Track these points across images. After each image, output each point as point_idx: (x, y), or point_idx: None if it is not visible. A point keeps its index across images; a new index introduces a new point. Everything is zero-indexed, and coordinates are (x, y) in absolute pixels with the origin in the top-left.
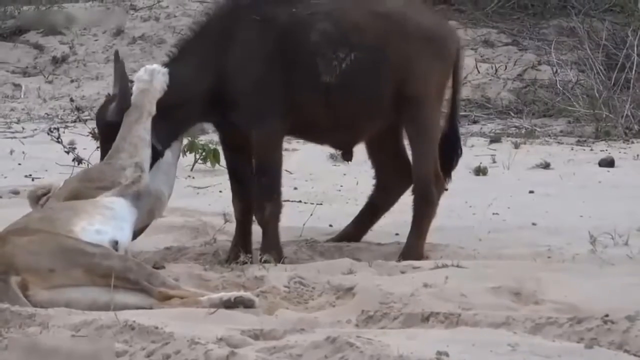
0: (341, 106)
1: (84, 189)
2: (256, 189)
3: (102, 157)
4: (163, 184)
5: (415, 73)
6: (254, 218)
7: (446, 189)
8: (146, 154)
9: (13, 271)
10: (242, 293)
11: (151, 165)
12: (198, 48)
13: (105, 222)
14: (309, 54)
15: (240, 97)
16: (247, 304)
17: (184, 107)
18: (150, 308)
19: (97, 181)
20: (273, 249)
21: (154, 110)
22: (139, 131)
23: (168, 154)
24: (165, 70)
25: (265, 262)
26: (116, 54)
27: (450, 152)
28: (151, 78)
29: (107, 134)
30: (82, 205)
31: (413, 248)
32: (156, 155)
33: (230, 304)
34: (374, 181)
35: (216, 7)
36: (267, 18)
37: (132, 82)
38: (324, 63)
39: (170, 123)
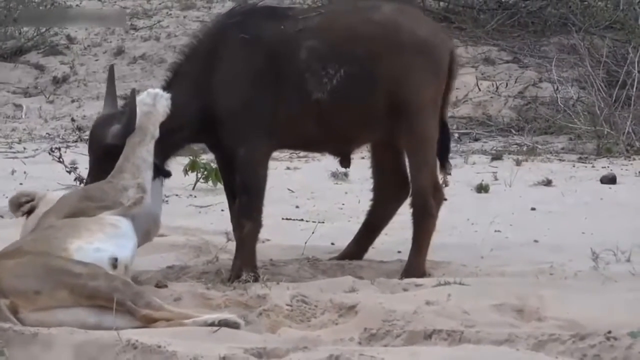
0: (333, 121)
1: (85, 208)
2: (236, 207)
3: (91, 176)
4: (156, 205)
5: (409, 83)
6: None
7: (445, 199)
8: (148, 176)
9: (0, 294)
10: (226, 315)
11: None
12: (189, 70)
13: (106, 240)
14: (298, 71)
15: (227, 115)
16: (231, 327)
17: (180, 130)
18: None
19: (99, 200)
20: (248, 267)
21: (157, 134)
22: (142, 153)
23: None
24: (168, 95)
25: (242, 281)
26: (111, 68)
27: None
28: (154, 102)
29: (104, 155)
30: (85, 224)
31: (415, 265)
32: (161, 174)
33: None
34: (371, 195)
35: (204, 27)
36: (255, 36)
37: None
38: (314, 80)
39: (164, 145)
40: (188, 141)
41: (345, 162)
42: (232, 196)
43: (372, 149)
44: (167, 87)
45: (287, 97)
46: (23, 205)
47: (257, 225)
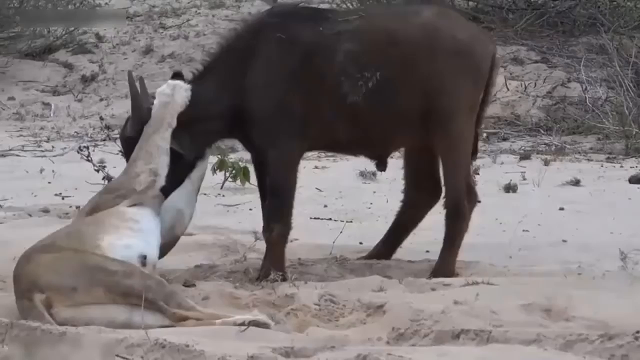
0: (368, 124)
1: (105, 201)
2: (266, 209)
3: None
4: (182, 201)
5: (446, 87)
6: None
7: (479, 201)
8: (163, 161)
9: (37, 289)
10: (256, 316)
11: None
12: (223, 64)
13: (133, 236)
14: (334, 74)
15: (259, 115)
16: (261, 327)
17: (207, 123)
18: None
19: (116, 191)
20: (277, 270)
21: (174, 123)
22: (156, 140)
23: (195, 174)
24: (188, 86)
25: (270, 280)
26: (129, 74)
27: None
28: (173, 92)
29: (128, 149)
30: (108, 218)
31: (445, 265)
32: (184, 163)
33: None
34: (402, 196)
35: (243, 24)
36: (292, 37)
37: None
38: (350, 83)
39: (194, 137)
40: (219, 135)
41: (382, 165)
42: (264, 195)
43: (405, 152)
44: (195, 79)
45: (322, 100)
46: None
47: (287, 228)
